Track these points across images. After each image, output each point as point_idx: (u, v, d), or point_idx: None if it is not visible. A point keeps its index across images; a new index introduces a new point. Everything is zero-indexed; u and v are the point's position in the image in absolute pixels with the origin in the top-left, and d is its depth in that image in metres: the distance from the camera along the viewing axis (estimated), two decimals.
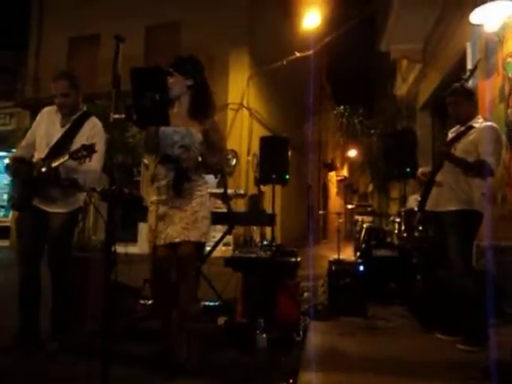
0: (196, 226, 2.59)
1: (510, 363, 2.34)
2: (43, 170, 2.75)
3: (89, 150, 2.66)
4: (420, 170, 3.60)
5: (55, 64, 12.64)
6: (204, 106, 2.72)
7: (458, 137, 3.15)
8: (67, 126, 2.97)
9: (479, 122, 3.15)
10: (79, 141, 2.88)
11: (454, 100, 3.22)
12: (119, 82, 1.89)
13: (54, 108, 3.04)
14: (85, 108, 3.08)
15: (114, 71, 1.82)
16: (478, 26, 4.70)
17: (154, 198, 2.67)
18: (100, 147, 2.82)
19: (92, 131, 2.97)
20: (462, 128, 3.18)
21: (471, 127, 3.12)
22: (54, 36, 13.81)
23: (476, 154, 3.04)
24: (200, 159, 2.69)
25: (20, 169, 2.93)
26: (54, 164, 2.74)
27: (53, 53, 13.46)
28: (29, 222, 2.92)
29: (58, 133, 2.95)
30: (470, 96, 3.25)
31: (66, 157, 2.71)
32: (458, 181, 3.09)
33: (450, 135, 3.31)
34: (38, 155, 2.92)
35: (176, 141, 2.64)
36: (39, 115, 3.09)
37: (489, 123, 3.15)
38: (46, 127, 2.98)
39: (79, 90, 3.04)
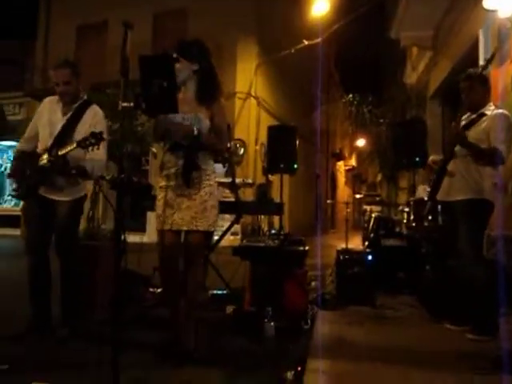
0: (204, 215, 2.58)
1: None
2: (51, 158, 2.76)
3: (97, 137, 2.66)
4: (431, 157, 3.55)
5: (63, 53, 12.61)
6: (211, 90, 2.69)
7: (470, 124, 3.10)
8: (69, 115, 2.97)
9: (491, 110, 3.10)
10: (82, 129, 2.90)
11: (469, 85, 3.14)
12: (128, 69, 1.87)
13: (55, 98, 3.04)
14: (85, 97, 3.07)
15: (122, 58, 1.81)
16: (491, 11, 4.60)
17: (163, 183, 2.66)
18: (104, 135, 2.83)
19: (94, 119, 2.98)
20: (474, 116, 3.13)
21: (483, 114, 3.07)
22: (61, 25, 13.80)
23: (487, 143, 2.99)
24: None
25: (25, 161, 2.95)
26: (62, 152, 2.75)
27: (61, 42, 13.46)
28: (35, 210, 2.94)
29: (60, 122, 2.96)
30: (485, 82, 3.18)
31: (74, 145, 2.72)
32: (469, 170, 3.05)
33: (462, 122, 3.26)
34: (42, 146, 2.94)
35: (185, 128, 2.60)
36: (41, 105, 3.09)
37: (500, 110, 3.10)
38: (48, 117, 2.98)
39: (80, 78, 3.03)
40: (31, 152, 2.99)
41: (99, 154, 2.85)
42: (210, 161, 2.70)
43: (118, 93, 2.04)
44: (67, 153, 2.76)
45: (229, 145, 3.03)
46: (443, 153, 3.33)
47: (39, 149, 2.95)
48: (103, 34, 12.81)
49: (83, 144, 2.69)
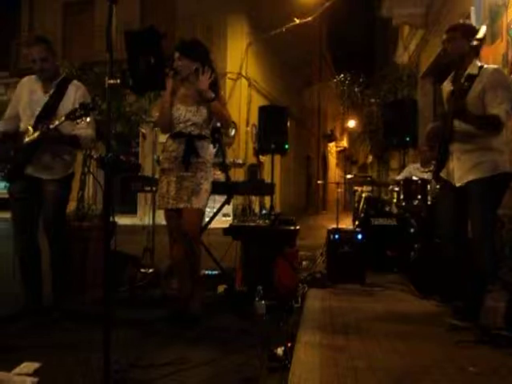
0: (198, 195, 2.88)
1: (502, 328, 2.38)
2: (44, 130, 2.72)
3: (86, 108, 2.64)
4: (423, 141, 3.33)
5: (50, 31, 12.35)
6: (211, 85, 2.94)
7: (462, 92, 2.68)
8: (51, 92, 2.92)
9: (477, 68, 2.73)
10: (66, 104, 2.86)
11: (451, 36, 2.80)
12: (113, 45, 1.83)
13: (32, 77, 2.98)
14: (64, 74, 3.01)
15: (107, 34, 1.76)
16: None
17: (165, 165, 2.98)
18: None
19: (77, 93, 2.94)
20: (462, 80, 2.71)
21: (471, 77, 2.68)
22: (47, 2, 13.43)
23: (482, 105, 2.68)
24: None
25: (7, 142, 2.90)
26: (53, 125, 2.71)
27: (46, 20, 13.14)
28: (22, 191, 2.90)
29: (41, 100, 2.90)
30: (469, 34, 2.75)
31: (63, 118, 2.68)
32: (475, 146, 2.71)
33: (447, 87, 2.94)
34: (25, 125, 2.88)
35: (188, 119, 2.93)
36: (18, 86, 3.03)
37: (492, 66, 2.81)
38: (29, 96, 2.93)
39: (56, 54, 2.98)
40: (13, 133, 2.93)
41: (88, 130, 2.88)
42: (207, 149, 3.00)
43: (105, 72, 2.00)
44: (57, 125, 2.72)
45: (219, 124, 3.05)
46: (441, 131, 2.87)
47: (22, 128, 2.89)
48: (90, 13, 12.52)
49: (72, 116, 2.65)
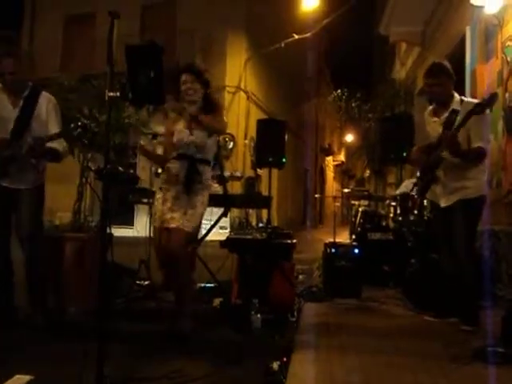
0: (191, 218, 2.86)
1: (499, 344, 2.38)
2: (31, 144, 2.76)
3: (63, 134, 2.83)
4: (413, 153, 3.50)
5: (50, 44, 12.46)
6: (213, 108, 3.02)
7: (449, 125, 3.01)
8: (21, 105, 2.91)
9: (458, 102, 3.05)
10: (38, 116, 2.90)
11: (438, 82, 3.07)
12: (114, 58, 1.86)
13: None
14: (30, 83, 2.99)
15: (108, 47, 1.79)
16: (478, 8, 4.65)
17: (164, 185, 2.97)
18: (58, 120, 2.96)
19: (49, 105, 2.97)
20: (446, 114, 3.05)
21: (455, 111, 3.00)
22: (48, 14, 13.55)
23: (468, 139, 2.97)
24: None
25: None
26: (30, 140, 2.78)
27: (47, 33, 13.24)
28: None
29: (12, 113, 2.89)
30: (451, 75, 3.12)
31: (47, 143, 2.79)
32: (461, 171, 3.02)
33: (431, 119, 3.22)
34: None
35: (192, 141, 2.92)
36: None
37: (471, 101, 3.08)
38: None
39: (24, 66, 2.95)
40: None
41: (62, 142, 2.98)
42: (207, 173, 3.00)
43: (105, 84, 2.02)
44: (45, 140, 2.79)
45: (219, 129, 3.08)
46: (429, 156, 3.15)
47: None
48: (91, 26, 12.62)
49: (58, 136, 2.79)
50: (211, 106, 3.01)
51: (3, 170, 2.84)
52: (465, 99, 3.13)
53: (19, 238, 2.92)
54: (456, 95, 3.12)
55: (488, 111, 3.02)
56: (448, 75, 3.11)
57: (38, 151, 2.81)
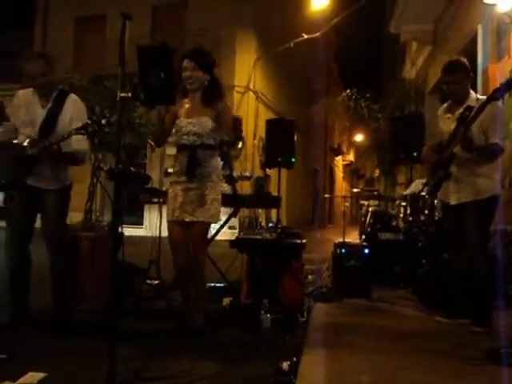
0: (204, 207, 2.85)
1: (510, 345, 2.35)
2: (45, 146, 2.78)
3: (86, 128, 2.74)
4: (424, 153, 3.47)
5: (62, 45, 12.58)
6: (216, 96, 2.96)
7: (464, 122, 2.94)
8: (49, 106, 2.96)
9: (474, 100, 3.03)
10: (64, 118, 2.92)
11: (456, 79, 3.06)
12: (125, 59, 1.87)
13: (29, 91, 3.02)
14: (61, 86, 3.05)
15: (120, 48, 1.81)
16: (490, 6, 4.60)
17: (173, 179, 3.00)
18: (83, 121, 2.91)
19: (75, 107, 2.99)
20: (461, 109, 2.99)
21: (470, 108, 2.92)
22: (59, 17, 13.70)
23: (483, 136, 2.95)
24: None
25: (8, 151, 2.92)
26: (54, 141, 2.77)
27: (59, 34, 13.38)
28: (20, 201, 2.93)
29: (40, 114, 2.94)
30: (469, 72, 3.10)
31: (65, 136, 2.75)
32: (474, 170, 3.00)
33: (444, 115, 3.21)
34: (24, 138, 2.90)
35: (189, 130, 2.90)
36: (15, 99, 3.06)
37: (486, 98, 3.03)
38: (26, 110, 2.96)
39: (54, 68, 3.01)
40: (8, 143, 2.93)
41: (84, 144, 2.97)
42: (212, 159, 2.96)
43: (116, 85, 2.04)
44: (59, 142, 2.78)
45: (227, 138, 3.05)
46: (443, 152, 3.13)
47: (19, 140, 2.90)
48: (102, 27, 12.72)
49: (79, 131, 2.73)
50: (211, 96, 2.94)
51: (29, 168, 2.87)
52: (480, 97, 3.10)
53: (45, 240, 2.96)
54: (472, 93, 3.10)
55: (506, 97, 2.97)
56: (466, 72, 3.09)
57: (50, 154, 2.82)
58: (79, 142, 2.89)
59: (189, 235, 2.88)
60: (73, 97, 3.04)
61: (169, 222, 2.96)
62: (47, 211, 2.95)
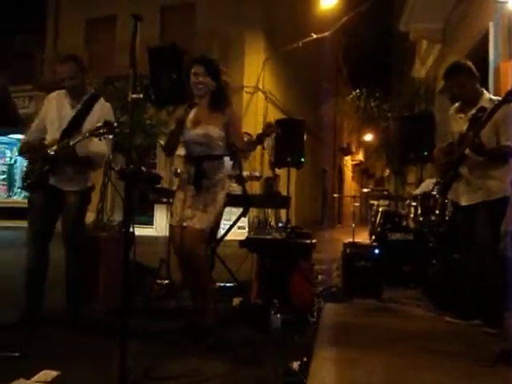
0: (202, 216, 2.88)
1: None
2: (60, 147, 2.81)
3: (110, 126, 2.73)
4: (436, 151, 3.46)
5: (73, 46, 12.70)
6: (223, 102, 3.00)
7: (476, 123, 2.93)
8: (78, 107, 3.02)
9: (488, 100, 2.99)
10: (90, 121, 2.95)
11: (458, 82, 3.05)
12: (136, 60, 1.89)
13: (62, 92, 3.08)
14: (93, 90, 3.11)
15: (131, 50, 1.82)
16: (502, 3, 4.56)
17: (180, 183, 3.03)
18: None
19: (102, 111, 3.03)
20: (473, 110, 2.97)
21: (483, 109, 2.91)
22: (70, 18, 13.86)
23: (495, 137, 2.94)
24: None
25: (34, 150, 2.99)
26: (73, 142, 2.80)
27: (70, 35, 13.53)
28: (42, 201, 2.98)
29: (69, 115, 3.00)
30: (473, 71, 3.05)
31: (87, 134, 2.77)
32: (485, 172, 2.98)
33: (455, 116, 3.18)
34: (50, 138, 2.97)
35: (196, 140, 2.93)
36: (47, 100, 3.13)
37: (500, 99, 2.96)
38: (57, 111, 3.02)
39: (85, 71, 3.08)
40: (37, 144, 3.02)
41: (103, 148, 2.97)
42: (218, 170, 2.99)
43: (127, 86, 2.06)
44: (77, 142, 2.80)
45: (239, 146, 3.05)
46: (453, 153, 3.13)
47: (47, 141, 2.98)
48: (112, 29, 12.84)
49: (96, 132, 2.74)
50: (218, 102, 2.97)
51: (50, 168, 2.91)
52: (493, 97, 3.07)
53: (63, 240, 3.00)
54: (485, 93, 3.07)
55: None
56: (468, 74, 3.05)
57: (64, 155, 2.86)
58: (98, 145, 2.91)
59: (184, 241, 2.88)
60: (102, 101, 3.10)
61: (170, 226, 3.01)
62: (67, 212, 2.99)
